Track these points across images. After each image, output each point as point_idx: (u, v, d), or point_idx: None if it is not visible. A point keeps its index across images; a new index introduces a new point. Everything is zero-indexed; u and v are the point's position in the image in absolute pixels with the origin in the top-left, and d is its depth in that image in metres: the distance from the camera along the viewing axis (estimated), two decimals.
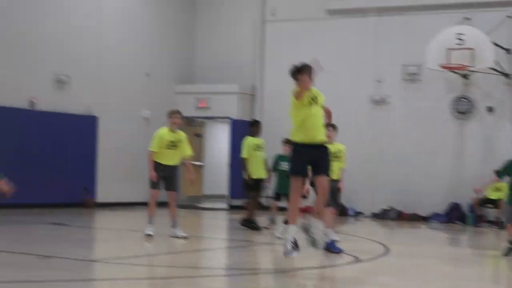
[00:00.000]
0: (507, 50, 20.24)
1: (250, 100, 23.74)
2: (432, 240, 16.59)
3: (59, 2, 20.20)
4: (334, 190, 12.34)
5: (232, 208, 22.41)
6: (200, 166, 24.06)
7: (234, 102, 23.23)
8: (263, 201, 18.02)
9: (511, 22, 20.53)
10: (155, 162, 13.46)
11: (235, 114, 23.11)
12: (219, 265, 11.22)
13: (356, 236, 15.97)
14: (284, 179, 14.28)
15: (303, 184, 9.93)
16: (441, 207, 20.91)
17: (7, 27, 18.84)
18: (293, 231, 9.54)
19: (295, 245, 9.52)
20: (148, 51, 23.01)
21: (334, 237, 12.05)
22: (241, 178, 15.88)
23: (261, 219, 15.99)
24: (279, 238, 13.81)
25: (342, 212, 21.52)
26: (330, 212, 12.20)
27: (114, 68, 21.76)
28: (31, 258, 10.29)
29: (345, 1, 22.57)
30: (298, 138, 9.81)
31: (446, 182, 21.10)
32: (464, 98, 21.07)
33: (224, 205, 23.48)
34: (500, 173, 12.80)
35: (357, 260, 11.19)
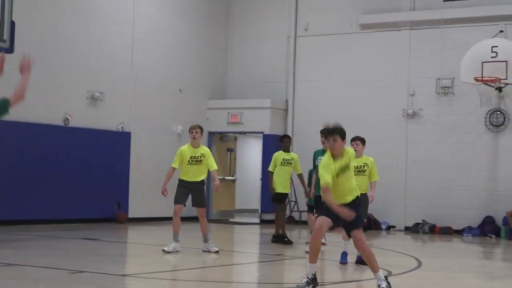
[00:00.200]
0: None
1: (282, 115, 23.76)
2: (465, 254, 16.43)
3: (92, 20, 20.38)
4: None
5: (264, 222, 22.40)
6: (233, 181, 24.12)
7: (267, 117, 23.25)
8: (288, 215, 18.04)
9: None
10: (180, 179, 13.44)
11: (268, 129, 23.14)
12: (251, 280, 11.22)
13: (389, 250, 15.86)
14: (318, 192, 14.25)
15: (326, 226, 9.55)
16: (474, 220, 20.74)
17: (42, 46, 19.04)
18: (312, 268, 9.19)
19: (311, 281, 9.23)
20: (181, 67, 23.14)
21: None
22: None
23: (298, 233, 15.95)
24: (307, 252, 13.82)
25: (374, 226, 21.48)
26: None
27: (147, 85, 21.91)
28: (63, 273, 10.36)
29: (377, 15, 22.54)
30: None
31: (479, 195, 20.93)
32: (498, 111, 20.91)
33: (256, 220, 23.49)
34: None
35: (389, 274, 11.11)
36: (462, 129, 21.27)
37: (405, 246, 17.77)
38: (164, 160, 21.58)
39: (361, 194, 12.10)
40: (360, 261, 12.20)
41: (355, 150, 12.37)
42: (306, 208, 16.16)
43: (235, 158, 24.58)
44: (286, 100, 23.86)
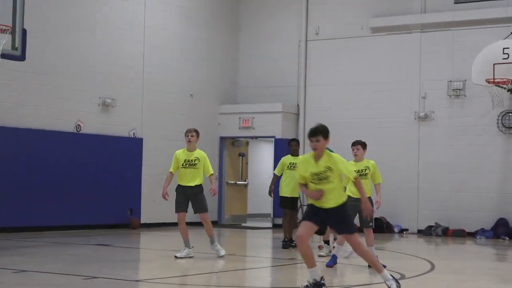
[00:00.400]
0: None
1: (294, 119, 23.76)
2: (479, 256, 16.38)
3: (103, 27, 20.45)
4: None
5: (276, 226, 22.39)
6: (245, 186, 24.14)
7: (278, 121, 23.26)
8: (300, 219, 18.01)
9: None
10: (177, 184, 13.39)
11: (279, 133, 23.15)
12: (263, 285, 11.22)
13: (402, 253, 15.85)
14: None
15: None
16: (487, 223, 20.69)
17: (54, 54, 19.13)
18: (314, 273, 9.13)
19: (311, 286, 9.20)
20: (192, 72, 23.18)
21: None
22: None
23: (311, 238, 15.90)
24: (320, 256, 13.87)
25: (387, 229, 21.44)
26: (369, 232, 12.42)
27: (158, 90, 21.96)
28: (77, 279, 10.39)
29: (388, 18, 22.52)
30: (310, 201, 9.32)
31: (492, 197, 20.87)
32: (510, 113, 20.86)
33: (268, 224, 23.49)
34: None
35: (402, 277, 11.11)
36: (474, 131, 21.24)
37: (418, 249, 17.74)
38: None
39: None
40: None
41: (355, 155, 12.45)
42: None
43: (247, 163, 24.59)
44: (298, 104, 23.88)
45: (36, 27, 17.85)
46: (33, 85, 18.64)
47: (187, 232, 13.38)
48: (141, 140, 21.32)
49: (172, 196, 13.45)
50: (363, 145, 12.54)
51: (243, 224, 23.67)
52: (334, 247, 14.30)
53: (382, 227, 21.38)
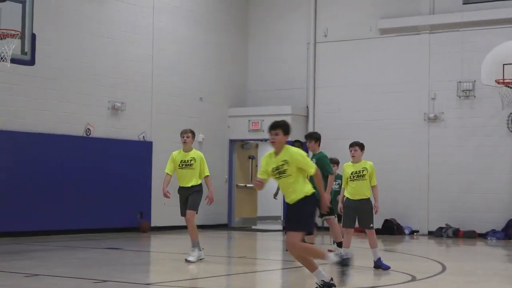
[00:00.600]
0: None
1: (303, 121, 23.77)
2: (490, 258, 16.33)
3: (112, 31, 20.51)
4: (363, 210, 12.33)
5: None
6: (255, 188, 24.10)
7: None
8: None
9: None
10: (179, 186, 13.38)
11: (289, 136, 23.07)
12: (274, 287, 11.20)
13: (413, 255, 15.82)
14: (334, 199, 14.28)
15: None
16: (498, 224, 20.64)
17: (63, 58, 19.20)
18: (319, 274, 9.19)
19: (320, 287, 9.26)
20: (201, 75, 23.22)
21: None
22: None
23: (321, 239, 15.90)
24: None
25: (398, 231, 21.41)
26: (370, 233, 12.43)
27: (168, 94, 22.01)
28: (88, 282, 10.44)
29: (396, 20, 22.51)
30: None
31: (503, 198, 20.83)
32: None
33: (278, 227, 23.49)
34: None
35: (414, 279, 11.11)
36: (483, 132, 21.20)
37: (429, 251, 17.72)
38: None
39: (362, 199, 12.26)
40: (377, 266, 12.22)
41: (353, 156, 12.46)
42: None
43: (256, 166, 24.57)
44: (307, 106, 23.88)
45: (44, 32, 17.94)
46: (42, 89, 18.71)
47: (196, 233, 13.34)
48: (150, 143, 21.36)
49: (174, 195, 13.47)
50: (361, 146, 12.54)
51: (253, 227, 23.68)
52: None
53: (393, 229, 21.35)
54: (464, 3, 21.82)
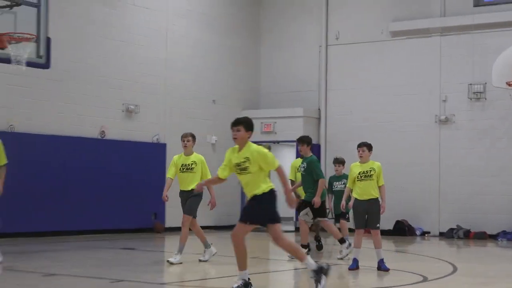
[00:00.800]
0: None
1: (315, 124, 23.89)
2: (501, 259, 16.38)
3: (125, 34, 20.71)
4: (371, 210, 12.43)
5: (299, 230, 22.44)
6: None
7: (300, 126, 23.35)
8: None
9: None
10: (179, 190, 13.50)
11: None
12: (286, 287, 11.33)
13: (424, 256, 15.91)
14: (338, 200, 14.45)
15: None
16: (509, 225, 20.70)
17: (78, 61, 19.40)
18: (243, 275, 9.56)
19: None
20: (214, 78, 23.39)
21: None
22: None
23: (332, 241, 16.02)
24: (340, 259, 14.03)
25: (409, 232, 21.48)
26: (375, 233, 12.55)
27: (181, 96, 22.19)
28: (104, 282, 10.60)
29: (408, 22, 22.59)
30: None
31: None
32: None
33: (291, 227, 23.57)
34: None
35: (425, 279, 11.21)
36: (495, 134, 21.25)
37: (440, 252, 17.78)
38: None
39: (371, 199, 12.35)
40: (380, 268, 12.31)
41: (360, 156, 12.58)
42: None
43: None
44: (319, 109, 24.00)
45: (59, 35, 18.08)
46: (57, 92, 18.93)
47: (203, 235, 13.58)
48: (164, 145, 21.53)
49: (174, 199, 13.64)
50: (369, 147, 12.67)
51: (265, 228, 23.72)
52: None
53: (404, 230, 21.44)
54: (475, 6, 21.90)
